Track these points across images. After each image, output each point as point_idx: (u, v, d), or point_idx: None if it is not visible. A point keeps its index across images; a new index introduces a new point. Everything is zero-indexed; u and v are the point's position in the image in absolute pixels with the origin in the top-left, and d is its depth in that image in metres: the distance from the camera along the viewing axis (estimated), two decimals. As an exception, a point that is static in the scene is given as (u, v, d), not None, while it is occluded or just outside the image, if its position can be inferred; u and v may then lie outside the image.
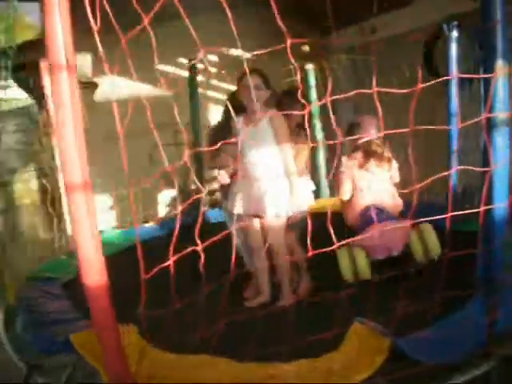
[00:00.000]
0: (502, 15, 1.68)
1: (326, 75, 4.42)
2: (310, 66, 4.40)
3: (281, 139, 2.75)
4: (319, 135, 4.61)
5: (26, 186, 6.78)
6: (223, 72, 5.29)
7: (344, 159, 3.05)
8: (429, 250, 2.77)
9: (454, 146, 3.29)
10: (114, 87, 4.53)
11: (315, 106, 4.10)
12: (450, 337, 1.72)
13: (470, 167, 1.59)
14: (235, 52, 5.39)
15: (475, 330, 1.71)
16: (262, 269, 2.87)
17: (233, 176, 2.91)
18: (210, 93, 5.84)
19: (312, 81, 4.44)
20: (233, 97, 3.00)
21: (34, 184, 6.34)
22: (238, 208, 2.85)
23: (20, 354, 2.11)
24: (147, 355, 1.92)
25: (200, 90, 5.06)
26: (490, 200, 1.66)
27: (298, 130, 2.94)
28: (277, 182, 2.75)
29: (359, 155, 3.03)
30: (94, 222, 1.50)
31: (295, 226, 2.88)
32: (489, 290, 1.74)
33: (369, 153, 3.00)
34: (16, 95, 5.23)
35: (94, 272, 1.49)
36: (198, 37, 1.36)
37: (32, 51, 3.85)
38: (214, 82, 5.88)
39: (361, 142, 2.98)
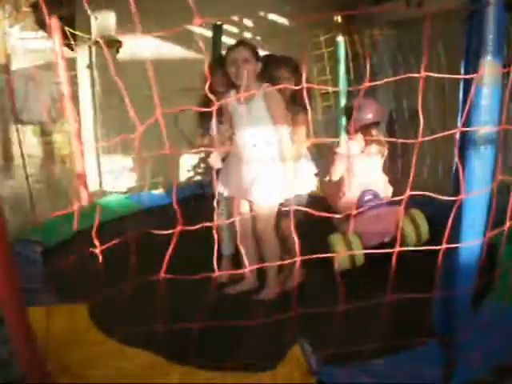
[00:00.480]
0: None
1: (356, 49, 4.04)
2: (340, 39, 4.03)
3: (277, 119, 2.51)
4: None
5: (65, 138, 6.94)
6: (257, 38, 4.99)
7: (343, 141, 2.93)
8: (420, 235, 2.73)
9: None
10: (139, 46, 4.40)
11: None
12: (394, 376, 1.51)
13: (431, 194, 1.26)
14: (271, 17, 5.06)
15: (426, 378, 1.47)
16: (246, 254, 2.73)
17: (225, 158, 2.74)
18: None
19: (341, 54, 4.08)
20: (218, 65, 2.74)
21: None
22: (228, 190, 2.72)
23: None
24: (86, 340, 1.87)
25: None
26: (457, 235, 1.36)
27: (293, 106, 2.64)
28: (270, 166, 2.54)
29: (359, 138, 2.88)
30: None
31: (291, 213, 2.70)
32: (445, 343, 1.47)
33: (370, 137, 2.86)
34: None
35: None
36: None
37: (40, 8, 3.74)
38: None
39: (361, 125, 2.83)
